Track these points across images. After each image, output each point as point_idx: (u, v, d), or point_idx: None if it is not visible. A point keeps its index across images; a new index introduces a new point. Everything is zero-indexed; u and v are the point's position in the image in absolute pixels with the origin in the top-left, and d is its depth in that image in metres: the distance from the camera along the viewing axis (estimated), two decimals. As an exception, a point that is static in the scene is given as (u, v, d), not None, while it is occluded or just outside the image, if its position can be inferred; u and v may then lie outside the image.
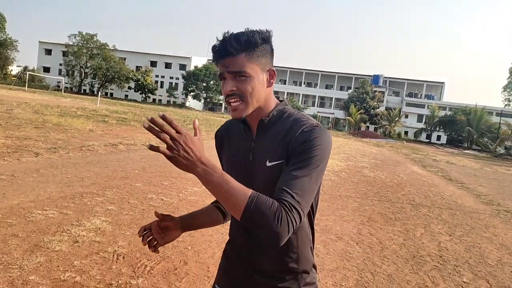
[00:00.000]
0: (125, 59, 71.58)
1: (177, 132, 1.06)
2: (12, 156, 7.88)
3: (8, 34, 73.34)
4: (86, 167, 7.83)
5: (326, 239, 5.21)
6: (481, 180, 15.21)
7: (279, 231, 1.07)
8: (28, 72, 61.37)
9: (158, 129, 1.03)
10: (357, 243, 5.27)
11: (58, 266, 3.41)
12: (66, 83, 65.62)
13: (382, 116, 63.20)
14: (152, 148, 1.03)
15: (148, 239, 1.45)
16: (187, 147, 1.06)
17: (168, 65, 76.38)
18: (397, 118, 62.52)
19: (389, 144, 37.48)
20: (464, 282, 4.37)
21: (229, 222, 1.54)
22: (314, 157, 1.19)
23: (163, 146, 1.05)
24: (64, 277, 3.24)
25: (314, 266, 1.44)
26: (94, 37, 67.14)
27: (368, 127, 62.97)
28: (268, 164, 1.27)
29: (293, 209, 1.10)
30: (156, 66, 74.91)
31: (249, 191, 1.10)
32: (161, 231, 1.45)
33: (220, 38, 1.23)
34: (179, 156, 1.05)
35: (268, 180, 1.24)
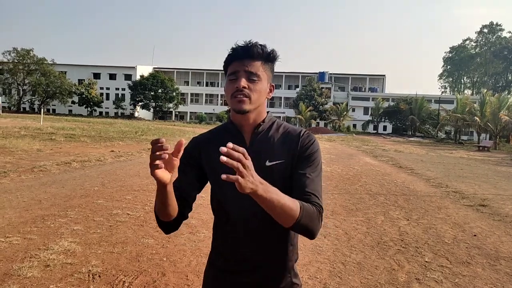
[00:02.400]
0: (65, 72, 68.70)
1: (244, 156, 1.08)
2: (-41, 184, 7.45)
3: None
4: (41, 188, 7.55)
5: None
6: (428, 165, 16.13)
7: (318, 230, 1.32)
8: (-41, 94, 57.44)
9: (234, 160, 1.05)
10: (324, 237, 5.49)
11: (33, 293, 3.33)
12: (3, 102, 61.89)
13: (331, 112, 65.04)
14: (229, 179, 1.06)
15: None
16: (253, 171, 1.11)
17: (112, 76, 74.20)
18: (345, 112, 64.58)
19: (340, 138, 38.70)
20: (426, 261, 4.68)
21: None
22: (318, 159, 1.44)
23: (235, 176, 1.06)
24: (41, 303, 3.17)
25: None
26: (31, 52, 63.93)
27: (318, 123, 64.53)
28: (267, 164, 1.41)
29: (322, 209, 1.34)
30: (100, 78, 72.51)
31: (298, 202, 1.25)
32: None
33: (242, 43, 1.41)
34: (249, 181, 1.08)
35: (267, 178, 1.29)
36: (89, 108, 65.74)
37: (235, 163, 1.05)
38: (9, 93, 66.34)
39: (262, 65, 1.42)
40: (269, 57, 1.43)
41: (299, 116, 61.04)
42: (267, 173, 1.37)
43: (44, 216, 5.65)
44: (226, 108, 65.55)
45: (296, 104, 63.06)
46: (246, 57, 1.39)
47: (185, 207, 1.45)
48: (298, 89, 70.60)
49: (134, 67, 72.96)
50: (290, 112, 67.71)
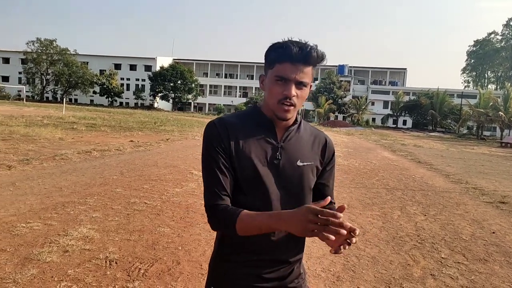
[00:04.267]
0: (87, 63, 69.73)
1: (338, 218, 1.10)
2: (-16, 171, 7.68)
3: (-39, 44, 70.15)
4: (62, 176, 7.73)
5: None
6: (448, 161, 15.86)
7: None
8: (-15, 83, 58.94)
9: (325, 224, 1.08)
10: (339, 230, 5.47)
11: (53, 277, 3.43)
12: (27, 91, 63.39)
13: (350, 105, 64.39)
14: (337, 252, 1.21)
15: None
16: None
17: (133, 67, 75.02)
18: (364, 106, 63.85)
19: (358, 132, 38.34)
20: (442, 258, 4.64)
21: None
22: (335, 165, 1.59)
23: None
24: (60, 286, 3.27)
25: None
26: (54, 42, 65.12)
27: (337, 116, 63.99)
28: (299, 164, 1.43)
29: None
30: (120, 69, 73.40)
31: None
32: None
33: (298, 42, 1.34)
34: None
35: (298, 177, 1.43)
36: (110, 98, 66.69)
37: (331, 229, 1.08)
38: (33, 82, 67.72)
39: (312, 70, 1.38)
40: (320, 62, 1.38)
41: (318, 109, 60.64)
42: (298, 172, 1.43)
43: (64, 203, 5.79)
44: (244, 100, 65.70)
45: (315, 97, 62.60)
46: (301, 62, 1.32)
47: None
48: (317, 82, 70.09)
49: (154, 58, 73.60)
50: (309, 105, 67.32)
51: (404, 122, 68.25)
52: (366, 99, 65.82)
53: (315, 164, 1.48)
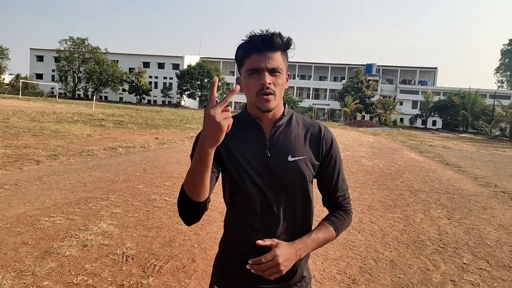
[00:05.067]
0: (117, 61, 71.19)
1: (272, 258, 1.27)
2: (13, 165, 7.96)
3: (-2, 43, 73.00)
4: (87, 172, 7.92)
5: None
6: (478, 163, 15.37)
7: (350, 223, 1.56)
8: (21, 80, 61.08)
9: (261, 268, 1.28)
10: (358, 232, 5.39)
11: (70, 271, 3.51)
12: (60, 88, 65.33)
13: (378, 105, 63.30)
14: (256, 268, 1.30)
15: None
16: (285, 257, 1.29)
17: (161, 65, 76.13)
18: (392, 106, 62.65)
19: (385, 132, 37.66)
20: (464, 263, 4.49)
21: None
22: (339, 156, 1.52)
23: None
24: (76, 280, 3.35)
25: None
26: (85, 41, 66.81)
27: (363, 116, 63.05)
28: (290, 159, 1.40)
29: (350, 203, 1.58)
30: (149, 67, 74.61)
31: (330, 227, 1.45)
32: None
33: (259, 33, 1.35)
34: (287, 267, 1.30)
35: (290, 173, 1.40)
36: (138, 96, 67.88)
37: (263, 271, 1.28)
38: (65, 80, 69.69)
39: (282, 56, 1.37)
40: (288, 47, 1.38)
41: (344, 108, 59.95)
42: (290, 168, 1.40)
43: (87, 198, 5.93)
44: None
45: (342, 96, 61.90)
46: (267, 49, 1.33)
47: (209, 193, 1.35)
48: (344, 81, 69.28)
49: (181, 57, 74.46)
50: (335, 104, 66.66)
51: (434, 123, 66.57)
52: (394, 98, 64.53)
53: (310, 158, 1.43)
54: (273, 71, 1.34)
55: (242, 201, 1.42)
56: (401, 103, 66.76)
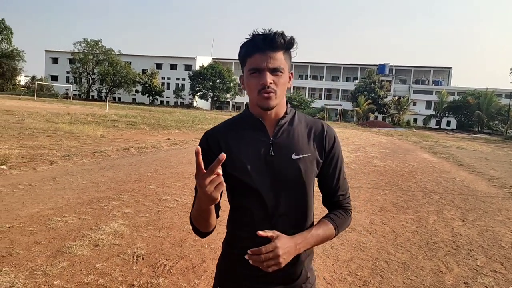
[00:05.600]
0: (130, 63, 71.86)
1: (271, 249, 1.24)
2: (28, 165, 8.07)
3: (14, 46, 74.34)
4: (100, 172, 7.99)
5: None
6: (493, 164, 15.13)
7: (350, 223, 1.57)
8: (36, 82, 62.06)
9: (260, 259, 1.25)
10: (370, 233, 5.34)
11: (81, 270, 3.54)
12: (74, 90, 66.22)
13: (391, 105, 62.71)
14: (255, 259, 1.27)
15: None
16: (285, 249, 1.27)
17: (173, 67, 76.62)
18: (405, 106, 62.02)
19: (398, 132, 37.32)
20: (478, 265, 4.42)
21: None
22: (341, 155, 1.51)
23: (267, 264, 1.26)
24: (87, 280, 3.37)
25: None
26: (99, 43, 67.62)
27: (376, 116, 62.55)
28: (294, 157, 1.40)
29: (350, 202, 1.56)
30: (161, 68, 75.16)
31: (330, 224, 1.44)
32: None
33: (262, 32, 1.35)
34: (286, 260, 1.28)
35: (294, 171, 1.39)
36: (151, 97, 68.42)
37: (262, 262, 1.25)
38: (80, 81, 70.62)
39: (284, 55, 1.36)
40: (290, 46, 1.37)
41: (356, 108, 59.55)
42: (294, 166, 1.40)
43: (99, 199, 5.98)
44: (282, 99, 65.31)
45: (354, 97, 61.49)
46: (269, 49, 1.33)
47: (218, 208, 1.42)
48: (356, 82, 68.82)
49: (194, 58, 74.83)
50: (347, 105, 66.25)
51: (448, 123, 65.75)
52: (408, 99, 63.92)
53: (314, 156, 1.43)
54: (275, 71, 1.34)
55: (246, 200, 1.42)
56: (414, 104, 66.10)
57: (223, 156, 1.14)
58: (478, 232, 5.72)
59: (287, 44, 1.35)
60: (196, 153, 1.15)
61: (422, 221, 6.13)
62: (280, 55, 1.34)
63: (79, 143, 12.15)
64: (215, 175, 1.16)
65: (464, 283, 3.93)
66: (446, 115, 63.76)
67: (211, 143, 1.43)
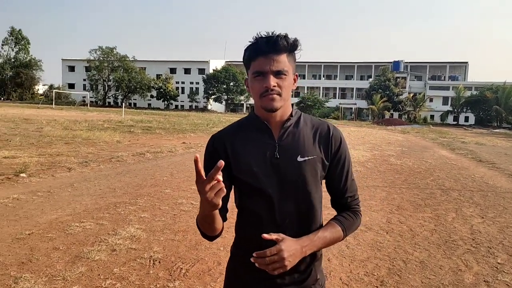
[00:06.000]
0: (145, 68, 72.70)
1: (276, 252, 1.24)
2: (46, 172, 8.22)
3: (31, 55, 75.97)
4: (116, 177, 8.10)
5: (356, 231, 5.24)
6: (514, 159, 14.81)
7: (359, 226, 1.55)
8: (54, 90, 63.21)
9: (265, 262, 1.25)
10: (387, 232, 5.29)
11: (99, 275, 3.59)
12: (91, 97, 67.29)
13: (406, 102, 61.92)
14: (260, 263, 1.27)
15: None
16: (290, 252, 1.27)
17: (187, 71, 77.16)
18: (421, 103, 61.17)
19: (415, 130, 36.83)
20: (498, 263, 4.33)
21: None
22: (348, 156, 1.50)
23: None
24: (105, 284, 3.42)
25: None
26: (114, 50, 68.59)
27: (392, 114, 61.88)
28: (299, 159, 1.39)
29: (360, 205, 1.54)
30: (175, 73, 75.76)
31: (338, 227, 1.42)
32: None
33: (265, 35, 1.35)
34: (292, 263, 1.28)
35: (300, 173, 1.39)
36: (166, 102, 69.05)
37: (267, 265, 1.25)
38: (96, 88, 71.74)
39: (287, 57, 1.36)
40: (293, 48, 1.38)
41: (371, 106, 59.00)
42: (300, 169, 1.39)
43: (116, 204, 6.06)
44: (296, 100, 65.42)
45: (369, 95, 60.90)
46: (272, 52, 1.33)
47: (224, 211, 1.45)
48: (370, 80, 68.19)
49: (207, 62, 75.24)
50: (362, 103, 65.69)
51: (466, 119, 64.60)
52: (424, 95, 63.05)
53: (320, 157, 1.42)
54: (278, 73, 1.34)
55: (253, 204, 1.42)
56: (431, 100, 65.18)
57: (221, 163, 1.13)
58: (498, 229, 5.61)
59: (290, 47, 1.35)
60: (195, 161, 1.15)
61: (440, 219, 6.04)
62: (283, 58, 1.34)
63: (96, 149, 12.32)
64: (215, 181, 1.15)
65: (485, 281, 3.86)
66: (464, 110, 62.67)
67: (217, 146, 1.45)
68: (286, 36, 1.34)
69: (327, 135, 1.45)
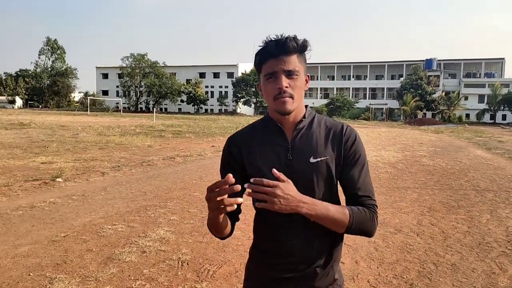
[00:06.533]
0: (175, 74, 74.05)
1: (272, 186, 1.20)
2: (81, 177, 8.51)
3: (67, 64, 78.81)
4: (147, 181, 8.29)
5: (385, 233, 5.17)
6: (555, 158, 14.17)
7: (374, 230, 1.41)
8: (89, 97, 65.33)
9: (259, 190, 1.19)
10: (417, 234, 5.18)
11: (129, 276, 3.70)
12: (123, 103, 69.18)
13: (440, 101, 60.24)
14: (259, 205, 1.22)
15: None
16: (285, 195, 1.22)
17: (216, 75, 78.01)
18: (456, 102, 59.38)
19: (449, 129, 35.81)
20: (535, 267, 4.16)
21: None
22: (363, 155, 1.45)
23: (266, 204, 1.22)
24: (135, 285, 3.52)
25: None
26: (145, 56, 70.25)
27: (425, 114, 60.38)
28: (312, 160, 1.40)
29: (375, 206, 1.42)
30: (205, 77, 76.75)
31: (346, 210, 1.34)
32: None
33: (274, 38, 1.37)
34: (281, 205, 1.21)
35: (312, 174, 1.39)
36: (196, 106, 70.02)
37: (260, 193, 1.19)
38: (128, 94, 73.67)
39: (298, 58, 1.38)
40: (303, 49, 1.39)
41: (403, 107, 57.76)
42: (312, 170, 1.40)
43: (147, 207, 6.21)
44: (325, 101, 64.91)
45: (400, 95, 59.65)
46: (282, 53, 1.35)
47: (236, 212, 1.46)
48: (402, 79, 66.79)
49: (235, 65, 75.80)
50: (393, 103, 64.42)
51: (504, 117, 62.22)
52: (458, 93, 61.18)
53: (333, 158, 1.41)
54: (290, 73, 1.35)
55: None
56: (466, 98, 63.17)
57: (230, 178, 1.15)
58: (536, 231, 5.39)
59: (300, 48, 1.37)
60: (226, 180, 1.17)
61: (474, 221, 5.86)
62: (294, 59, 1.36)
63: (128, 154, 12.65)
64: (222, 192, 1.18)
65: (520, 285, 3.72)
66: (501, 108, 60.40)
67: (232, 149, 1.49)
68: (295, 38, 1.36)
69: (340, 135, 1.44)
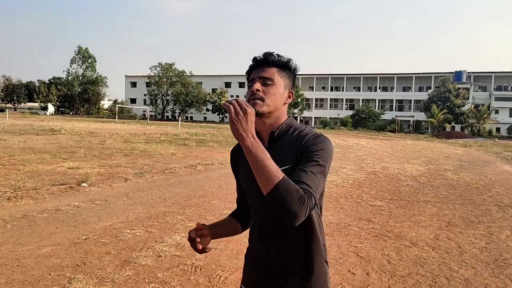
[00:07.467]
0: (201, 83, 75.15)
1: (245, 107, 1.29)
2: (105, 183, 8.80)
3: (98, 72, 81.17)
4: (168, 188, 8.49)
5: (400, 246, 5.15)
6: None
7: (299, 211, 1.25)
8: (117, 105, 66.99)
9: (230, 103, 1.30)
10: (433, 249, 5.14)
11: (144, 279, 3.84)
12: (150, 111, 70.56)
13: (469, 114, 58.85)
14: (226, 102, 1.30)
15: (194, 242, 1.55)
16: (248, 119, 1.28)
17: (241, 85, 78.67)
18: (486, 115, 57.88)
19: (478, 143, 34.92)
20: (552, 285, 4.08)
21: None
22: (320, 158, 1.39)
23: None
24: None
25: (326, 262, 1.57)
26: (173, 65, 71.68)
27: (453, 127, 59.08)
28: (280, 169, 1.46)
29: (312, 196, 1.29)
30: (230, 87, 77.56)
31: (282, 174, 1.28)
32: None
33: (265, 53, 1.56)
34: (239, 122, 1.27)
35: None
36: (220, 115, 70.75)
37: (230, 104, 1.29)
38: (155, 103, 75.15)
39: (278, 72, 1.51)
40: (286, 66, 1.54)
41: (430, 119, 56.70)
42: None
43: (166, 213, 6.38)
44: (350, 112, 64.41)
45: (428, 107, 58.61)
46: (263, 65, 1.52)
47: (242, 213, 1.77)
48: (430, 91, 65.66)
49: (261, 75, 76.14)
50: (420, 116, 63.31)
51: (536, 132, 60.21)
52: (489, 107, 59.69)
53: (294, 165, 1.41)
54: (264, 80, 1.49)
55: (251, 211, 1.63)
56: (496, 111, 61.54)
57: (199, 225, 1.62)
58: (558, 250, 5.25)
59: (280, 63, 1.52)
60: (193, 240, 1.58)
61: (493, 237, 5.76)
62: (272, 70, 1.51)
63: (151, 161, 12.94)
64: (197, 237, 1.56)
65: (534, 303, 3.66)
66: (534, 122, 58.48)
67: (232, 159, 1.71)
68: (278, 55, 1.54)
69: (301, 142, 1.44)
